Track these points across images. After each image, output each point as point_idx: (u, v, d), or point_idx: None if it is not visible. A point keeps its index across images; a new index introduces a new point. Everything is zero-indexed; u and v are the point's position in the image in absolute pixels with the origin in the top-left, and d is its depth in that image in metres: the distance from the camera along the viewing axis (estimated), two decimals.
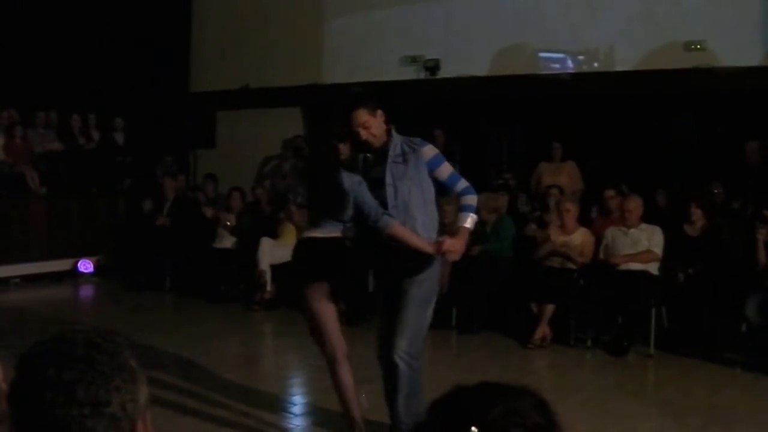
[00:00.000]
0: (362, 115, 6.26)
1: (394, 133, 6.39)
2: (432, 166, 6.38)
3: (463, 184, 6.51)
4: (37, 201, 15.11)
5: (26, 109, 15.76)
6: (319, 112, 16.68)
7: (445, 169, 6.46)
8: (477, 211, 6.61)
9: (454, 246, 6.25)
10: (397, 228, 6.13)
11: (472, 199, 6.50)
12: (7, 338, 9.18)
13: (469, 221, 6.41)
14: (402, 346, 6.28)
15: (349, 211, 6.20)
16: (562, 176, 13.72)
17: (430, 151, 6.42)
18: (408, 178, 6.27)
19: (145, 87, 16.77)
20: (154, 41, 17.10)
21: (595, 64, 14.48)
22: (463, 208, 6.47)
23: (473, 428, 1.52)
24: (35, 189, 15.22)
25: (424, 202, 6.35)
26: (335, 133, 6.43)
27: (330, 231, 6.30)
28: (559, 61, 14.85)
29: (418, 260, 6.25)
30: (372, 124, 6.28)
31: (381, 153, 6.33)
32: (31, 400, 1.80)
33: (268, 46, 17.04)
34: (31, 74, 15.56)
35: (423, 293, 6.38)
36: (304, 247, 6.53)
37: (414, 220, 6.26)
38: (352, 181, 6.17)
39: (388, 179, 6.25)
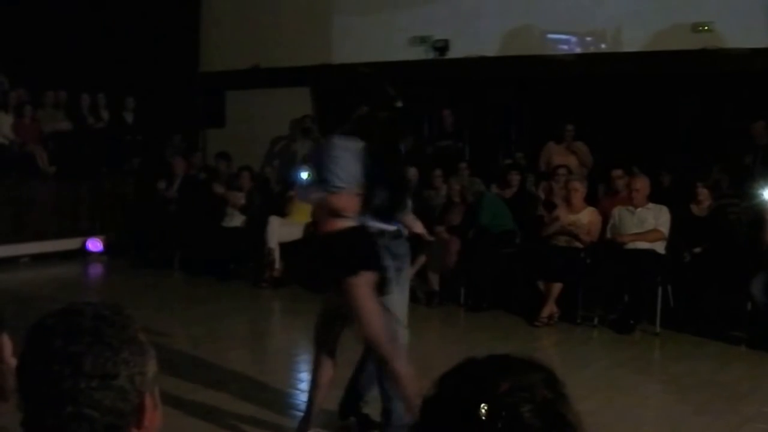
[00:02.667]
0: None
1: None
2: None
3: None
4: (46, 180, 15.13)
5: (36, 88, 15.77)
6: (328, 92, 16.69)
7: None
8: None
9: (421, 228, 6.45)
10: (406, 219, 6.24)
11: None
12: (17, 317, 9.24)
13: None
14: None
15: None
16: (573, 157, 13.68)
17: None
18: None
19: (155, 66, 16.73)
20: (164, 20, 17.06)
21: (603, 45, 14.45)
22: None
23: (483, 405, 1.52)
24: (44, 168, 15.23)
25: None
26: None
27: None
28: (568, 42, 14.83)
29: None
30: None
31: None
32: (39, 372, 1.81)
33: (278, 25, 17.00)
34: (41, 53, 15.55)
35: None
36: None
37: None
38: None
39: None
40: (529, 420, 1.51)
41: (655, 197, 10.62)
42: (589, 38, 14.54)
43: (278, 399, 7.46)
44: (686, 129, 13.57)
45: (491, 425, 1.51)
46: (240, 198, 13.79)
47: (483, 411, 1.51)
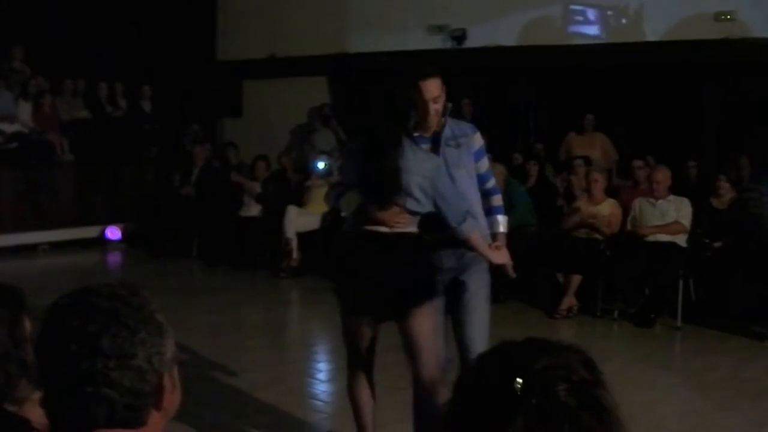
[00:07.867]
0: (437, 87, 5.25)
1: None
2: (478, 156, 5.56)
3: (493, 181, 5.74)
4: (65, 168, 15.15)
5: (54, 77, 15.78)
6: (344, 81, 16.66)
7: (485, 163, 5.64)
8: None
9: (504, 258, 5.44)
10: (474, 237, 5.22)
11: (499, 200, 5.74)
12: (35, 304, 9.22)
13: (503, 225, 5.68)
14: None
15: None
16: (595, 150, 13.61)
17: (480, 139, 5.57)
18: (463, 166, 5.43)
19: (173, 55, 16.77)
20: (181, 9, 17.08)
21: (623, 34, 14.37)
22: (494, 210, 5.68)
23: (518, 380, 1.53)
24: (63, 157, 15.25)
25: (476, 192, 5.55)
26: (406, 98, 5.26)
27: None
28: (588, 31, 14.77)
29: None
30: (441, 100, 5.29)
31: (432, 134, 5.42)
32: (57, 352, 1.80)
33: (295, 15, 17.00)
34: (59, 42, 15.56)
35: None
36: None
37: (473, 212, 5.35)
38: (435, 165, 5.14)
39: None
40: (564, 398, 1.52)
41: (681, 189, 10.54)
42: (609, 27, 14.48)
43: (296, 388, 7.46)
44: (710, 119, 13.49)
45: (526, 400, 1.51)
46: (256, 186, 13.77)
47: (518, 385, 1.52)
